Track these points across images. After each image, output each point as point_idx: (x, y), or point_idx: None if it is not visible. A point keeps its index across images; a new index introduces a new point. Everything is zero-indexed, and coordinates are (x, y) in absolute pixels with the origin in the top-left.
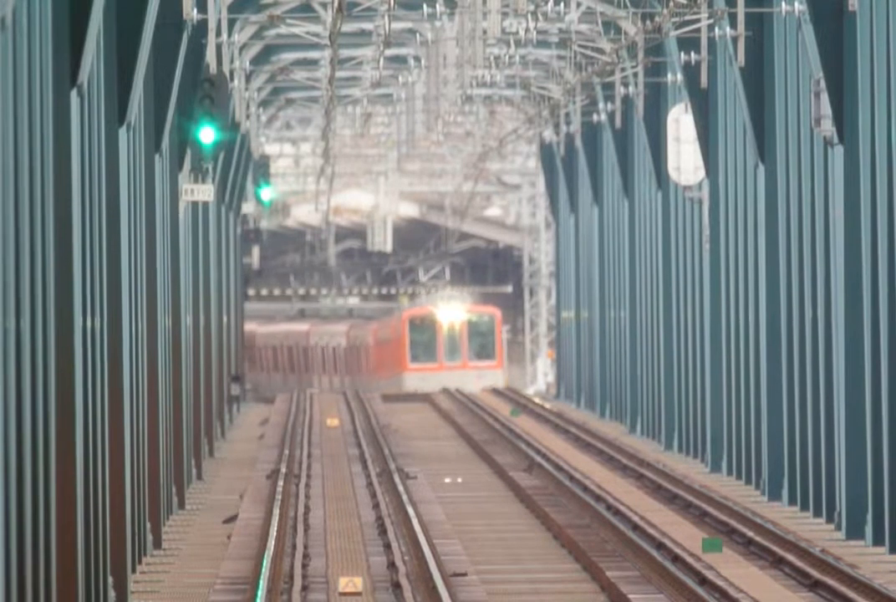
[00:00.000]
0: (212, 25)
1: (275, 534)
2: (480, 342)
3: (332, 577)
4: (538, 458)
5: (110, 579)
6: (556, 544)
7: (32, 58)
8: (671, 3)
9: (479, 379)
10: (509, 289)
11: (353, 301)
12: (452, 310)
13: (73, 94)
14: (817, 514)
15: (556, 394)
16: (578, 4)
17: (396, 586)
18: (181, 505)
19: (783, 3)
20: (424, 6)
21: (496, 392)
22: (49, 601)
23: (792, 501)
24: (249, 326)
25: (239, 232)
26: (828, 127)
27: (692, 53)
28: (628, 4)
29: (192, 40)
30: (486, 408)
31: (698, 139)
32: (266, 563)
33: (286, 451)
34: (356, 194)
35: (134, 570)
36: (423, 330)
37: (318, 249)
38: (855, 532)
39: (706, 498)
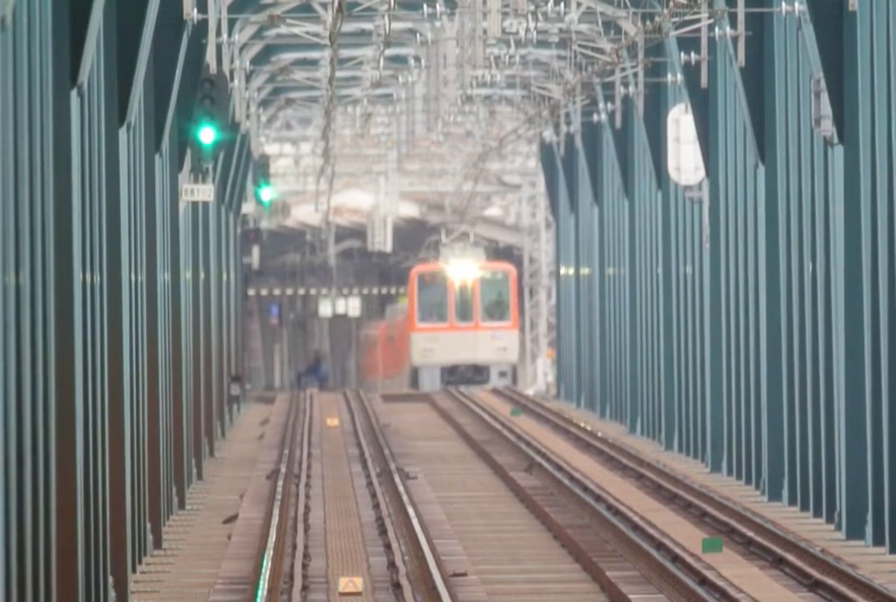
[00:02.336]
0: (212, 25)
1: (275, 534)
2: (494, 301)
3: (332, 577)
4: (538, 458)
5: (110, 579)
6: (556, 544)
7: (32, 58)
8: (671, 3)
9: (492, 340)
10: None
11: None
12: (464, 266)
13: (73, 94)
14: (817, 514)
15: (556, 394)
16: (578, 4)
17: (396, 586)
18: (181, 505)
19: (783, 3)
20: (424, 6)
21: (496, 392)
22: (49, 601)
23: (792, 501)
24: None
25: (239, 232)
26: (828, 127)
27: (692, 53)
28: (628, 4)
29: (192, 40)
30: (486, 408)
31: (698, 139)
32: (266, 563)
33: (286, 451)
34: (356, 194)
35: (134, 570)
36: (433, 287)
37: (318, 249)
38: (855, 532)
39: (706, 498)
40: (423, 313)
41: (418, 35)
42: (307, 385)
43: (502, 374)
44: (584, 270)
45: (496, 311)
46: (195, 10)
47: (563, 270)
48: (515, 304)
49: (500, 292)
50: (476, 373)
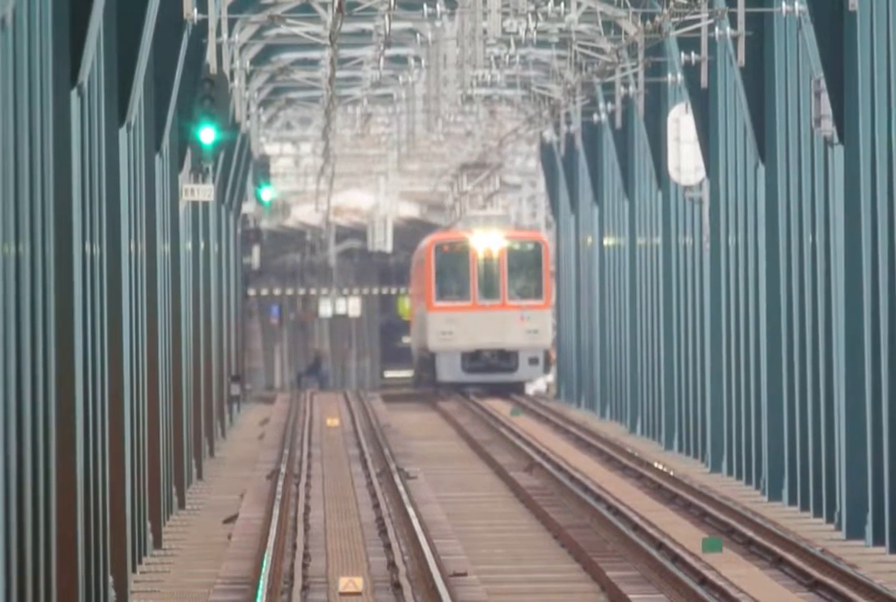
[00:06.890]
0: (212, 25)
1: (275, 534)
2: (524, 276)
3: (332, 577)
4: (538, 458)
5: (110, 579)
6: (556, 544)
7: (32, 58)
8: (671, 3)
9: (521, 321)
10: None
11: None
12: (489, 235)
13: (73, 94)
14: (817, 514)
15: (556, 394)
16: (578, 4)
17: (396, 586)
18: (181, 505)
19: (783, 3)
20: (424, 6)
21: (497, 392)
22: (49, 601)
23: (792, 501)
24: None
25: (239, 232)
26: (828, 127)
27: (692, 53)
28: (628, 4)
29: (192, 40)
30: (486, 408)
31: (698, 139)
32: (266, 562)
33: (286, 451)
34: (356, 194)
35: (134, 570)
36: (453, 260)
37: (318, 249)
38: (855, 532)
39: (706, 498)
40: (441, 290)
41: (418, 35)
42: (307, 385)
43: (533, 361)
44: (584, 271)
45: (526, 287)
46: (195, 10)
47: (562, 271)
48: (548, 279)
49: (531, 265)
50: (503, 359)
